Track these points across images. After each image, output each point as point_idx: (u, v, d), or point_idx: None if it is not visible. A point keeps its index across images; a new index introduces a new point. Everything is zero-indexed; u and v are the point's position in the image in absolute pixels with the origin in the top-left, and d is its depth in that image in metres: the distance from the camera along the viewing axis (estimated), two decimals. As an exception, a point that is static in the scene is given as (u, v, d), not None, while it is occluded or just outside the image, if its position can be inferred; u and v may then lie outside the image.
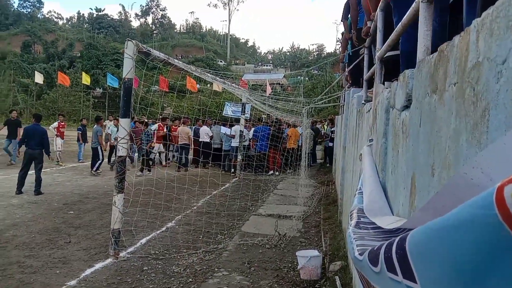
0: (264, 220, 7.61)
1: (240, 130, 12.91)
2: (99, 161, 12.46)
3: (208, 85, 31.27)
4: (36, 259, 5.16)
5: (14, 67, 53.97)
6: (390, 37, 2.72)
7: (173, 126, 14.69)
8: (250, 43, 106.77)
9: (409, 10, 2.10)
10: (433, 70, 1.39)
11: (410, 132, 1.69)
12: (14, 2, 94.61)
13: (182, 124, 14.03)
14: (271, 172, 13.64)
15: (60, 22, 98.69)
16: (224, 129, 14.20)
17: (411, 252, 0.77)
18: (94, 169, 12.37)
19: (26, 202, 8.20)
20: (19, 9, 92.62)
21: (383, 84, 2.96)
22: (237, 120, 14.19)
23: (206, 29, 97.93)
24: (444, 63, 1.27)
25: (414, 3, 1.99)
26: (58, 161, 13.90)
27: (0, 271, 4.72)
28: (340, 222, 6.82)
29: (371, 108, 3.40)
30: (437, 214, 0.86)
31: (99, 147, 12.33)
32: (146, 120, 13.16)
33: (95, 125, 12.69)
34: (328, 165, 16.59)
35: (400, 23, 2.38)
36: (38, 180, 9.06)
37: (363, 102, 4.63)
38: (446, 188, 0.89)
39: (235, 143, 13.27)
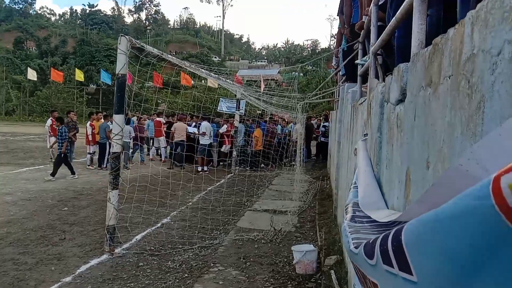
0: (260, 216, 7.63)
1: (236, 126, 12.89)
2: (106, 156, 12.45)
3: (203, 81, 31.16)
4: (31, 256, 5.14)
5: (6, 63, 53.47)
6: (384, 31, 2.72)
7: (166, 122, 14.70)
8: (244, 39, 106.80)
9: (403, 5, 2.10)
10: (428, 63, 1.39)
11: (405, 126, 1.69)
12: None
13: (178, 121, 13.96)
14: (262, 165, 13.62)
15: (53, 18, 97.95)
16: (192, 129, 13.37)
17: (407, 244, 0.77)
18: (104, 165, 12.39)
19: (20, 199, 8.15)
20: (10, 5, 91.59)
21: (384, 79, 2.96)
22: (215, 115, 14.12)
23: (200, 25, 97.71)
24: (438, 56, 1.27)
25: (408, -3, 1.99)
26: (52, 159, 13.80)
27: (-6, 269, 4.70)
28: (335, 217, 6.84)
29: (365, 102, 3.41)
30: (432, 206, 0.86)
31: (107, 143, 12.28)
32: (140, 116, 13.13)
33: (104, 122, 12.63)
34: (322, 160, 16.63)
35: (394, 18, 2.38)
36: None
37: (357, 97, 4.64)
38: (441, 180, 0.89)
39: (205, 141, 12.58)
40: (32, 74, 36.00)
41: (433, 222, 0.71)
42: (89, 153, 13.36)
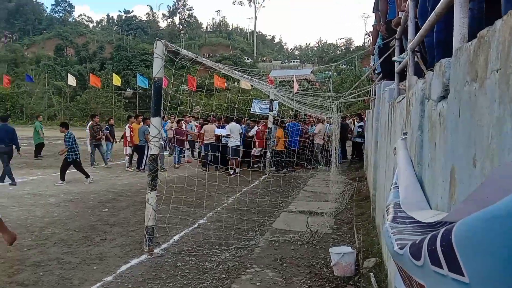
0: (295, 217, 7.58)
1: (269, 127, 12.87)
2: (144, 159, 12.80)
3: (236, 83, 31.43)
4: (74, 256, 5.33)
5: (48, 70, 55.98)
6: (423, 26, 2.64)
7: (198, 125, 14.85)
8: (276, 40, 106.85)
9: (444, -2, 2.03)
10: (473, 57, 1.34)
11: (448, 123, 1.63)
12: (47, 8, 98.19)
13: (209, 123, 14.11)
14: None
15: (91, 25, 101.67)
16: (219, 130, 13.24)
17: (458, 244, 0.75)
18: (142, 167, 12.75)
19: (63, 201, 8.48)
20: (51, 13, 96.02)
21: (423, 75, 2.88)
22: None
23: (232, 27, 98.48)
24: (485, 49, 1.22)
25: (449, -10, 1.92)
26: (94, 162, 14.25)
27: (41, 267, 4.91)
28: (373, 219, 6.71)
29: (404, 99, 3.32)
30: (483, 205, 0.83)
31: (146, 146, 12.64)
32: (179, 119, 13.43)
33: (143, 125, 13.00)
34: (357, 159, 16.35)
35: (433, 12, 2.31)
36: (8, 172, 10.10)
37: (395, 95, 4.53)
38: (491, 178, 0.85)
39: (232, 142, 12.41)
40: (72, 80, 37.49)
41: (486, 221, 0.68)
42: (127, 155, 13.73)
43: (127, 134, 13.60)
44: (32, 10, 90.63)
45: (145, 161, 12.66)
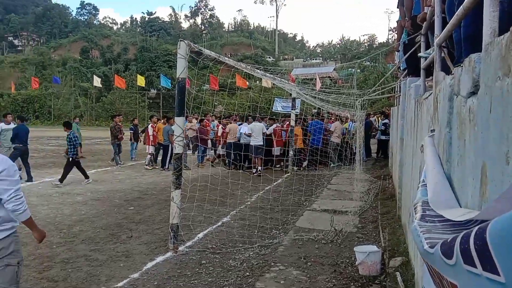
0: (319, 215, 7.54)
1: (291, 126, 12.82)
2: (167, 158, 13.00)
3: (258, 81, 31.46)
4: (101, 253, 5.46)
5: (74, 72, 57.40)
6: (450, 21, 2.58)
7: (219, 124, 14.87)
8: (298, 38, 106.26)
9: (473, -9, 1.98)
10: (505, 51, 1.30)
11: (479, 120, 1.59)
12: (73, 11, 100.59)
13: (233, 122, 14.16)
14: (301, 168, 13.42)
15: (115, 27, 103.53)
16: (243, 129, 13.16)
17: (493, 242, 0.73)
18: (166, 166, 12.96)
19: (90, 199, 8.69)
20: (77, 16, 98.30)
21: (451, 71, 2.81)
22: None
23: (254, 26, 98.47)
24: (518, 44, 1.18)
25: (478, -17, 1.87)
26: (118, 162, 14.54)
27: (69, 264, 5.05)
28: (399, 217, 6.61)
29: (430, 96, 3.25)
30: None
31: (170, 145, 12.84)
32: (203, 118, 13.55)
33: (167, 125, 13.19)
34: (382, 157, 16.13)
35: (462, 6, 2.25)
36: (28, 169, 10.53)
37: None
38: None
39: (254, 141, 12.40)
40: (97, 81, 38.36)
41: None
42: (149, 154, 13.95)
43: (150, 133, 13.80)
44: (59, 13, 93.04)
45: (169, 160, 12.85)
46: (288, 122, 13.90)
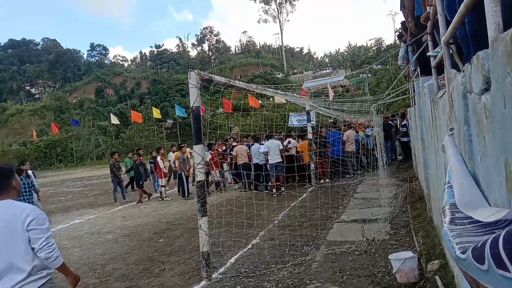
0: (349, 227, 7.44)
1: (309, 139, 12.76)
2: (185, 186, 13.12)
3: (270, 99, 31.62)
4: (138, 289, 5.49)
5: (91, 112, 59.00)
6: (454, 19, 2.58)
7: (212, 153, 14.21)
8: (305, 50, 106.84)
9: (472, -12, 1.99)
10: (511, 47, 1.30)
11: (495, 116, 1.58)
12: (83, 54, 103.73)
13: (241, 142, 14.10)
14: (322, 180, 13.21)
15: (126, 64, 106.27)
16: (260, 147, 12.85)
17: (522, 245, 0.73)
18: (186, 194, 13.10)
19: (120, 236, 8.79)
20: (88, 58, 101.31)
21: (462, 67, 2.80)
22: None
23: (260, 45, 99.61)
24: (522, 38, 1.18)
25: (476, -21, 1.88)
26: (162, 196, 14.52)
27: (108, 303, 5.09)
28: (431, 219, 6.46)
29: (445, 95, 3.23)
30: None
31: (183, 173, 13.01)
32: (218, 143, 13.61)
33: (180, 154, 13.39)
34: (406, 160, 15.89)
35: (462, 4, 2.26)
36: None
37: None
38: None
39: (272, 159, 12.11)
40: (114, 119, 39.23)
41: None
42: (161, 186, 14.04)
43: (161, 166, 13.90)
44: (71, 58, 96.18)
45: (187, 188, 12.96)
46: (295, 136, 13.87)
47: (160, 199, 13.61)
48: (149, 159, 15.56)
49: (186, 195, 13.09)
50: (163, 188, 13.94)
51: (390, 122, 17.28)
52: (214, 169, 13.73)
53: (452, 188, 1.99)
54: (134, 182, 15.23)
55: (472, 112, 2.09)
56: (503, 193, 1.58)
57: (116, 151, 17.07)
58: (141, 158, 14.11)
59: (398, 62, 11.65)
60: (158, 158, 14.13)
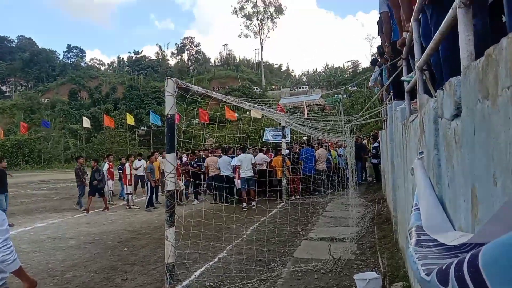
0: (316, 244, 7.45)
1: (283, 155, 12.82)
2: (147, 197, 12.83)
3: (247, 112, 31.72)
4: (97, 298, 5.29)
5: (63, 114, 57.51)
6: (429, 46, 2.66)
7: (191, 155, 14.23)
8: (283, 68, 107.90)
9: (446, 17, 2.05)
10: (482, 75, 1.33)
11: (464, 142, 1.62)
12: (59, 54, 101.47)
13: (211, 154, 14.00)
14: (293, 197, 13.28)
15: (102, 68, 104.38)
16: (233, 160, 12.88)
17: (486, 269, 0.73)
18: (146, 205, 12.78)
19: (83, 243, 8.50)
20: (64, 60, 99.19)
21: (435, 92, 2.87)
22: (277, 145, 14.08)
23: (239, 59, 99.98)
24: (493, 67, 1.22)
25: (451, 9, 1.94)
26: (110, 201, 14.34)
27: (64, 312, 4.88)
28: (397, 241, 6.55)
29: (416, 119, 3.30)
30: (507, 225, 0.81)
31: (149, 184, 12.78)
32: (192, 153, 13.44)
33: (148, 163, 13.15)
34: (374, 182, 16.18)
35: (438, 31, 2.33)
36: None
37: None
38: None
39: (244, 173, 12.12)
40: (86, 122, 38.38)
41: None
42: (128, 193, 13.75)
43: (127, 172, 13.67)
44: (46, 58, 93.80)
45: (150, 199, 12.70)
46: (270, 152, 13.90)
47: (127, 207, 13.30)
48: (117, 165, 15.23)
49: (146, 205, 12.77)
50: (130, 196, 13.62)
51: (362, 143, 17.59)
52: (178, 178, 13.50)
53: (419, 210, 2.01)
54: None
55: (442, 137, 2.14)
56: (468, 218, 1.60)
57: (81, 155, 16.39)
58: (97, 164, 13.69)
59: (369, 84, 11.93)
60: (126, 165, 13.87)
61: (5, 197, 10.88)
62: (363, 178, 17.33)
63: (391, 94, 7.49)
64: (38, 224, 10.78)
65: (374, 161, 16.22)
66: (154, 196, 13.08)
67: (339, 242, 7.43)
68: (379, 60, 8.32)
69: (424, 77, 3.21)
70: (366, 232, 8.02)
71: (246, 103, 9.53)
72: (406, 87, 4.45)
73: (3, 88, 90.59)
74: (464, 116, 1.60)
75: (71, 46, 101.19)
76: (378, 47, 8.61)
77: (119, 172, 14.63)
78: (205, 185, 14.68)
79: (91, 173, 13.16)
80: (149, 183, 12.83)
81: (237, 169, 12.48)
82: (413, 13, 3.35)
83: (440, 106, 2.09)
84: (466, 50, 1.75)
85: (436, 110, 2.22)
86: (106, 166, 14.78)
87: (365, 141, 18.94)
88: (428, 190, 2.16)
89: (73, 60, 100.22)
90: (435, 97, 2.35)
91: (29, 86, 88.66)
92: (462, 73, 1.64)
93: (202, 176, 13.65)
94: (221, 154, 13.33)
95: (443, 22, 2.15)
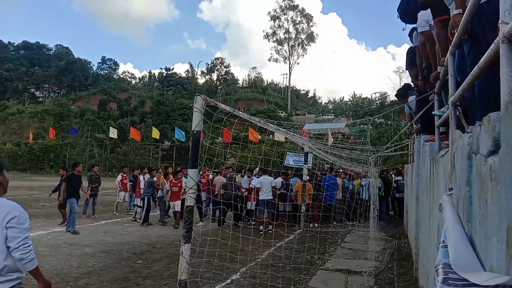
0: (333, 275, 7.26)
1: (304, 180, 12.68)
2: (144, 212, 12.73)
3: (270, 135, 31.79)
4: (107, 308, 5.27)
5: (91, 123, 58.94)
6: (465, 80, 2.61)
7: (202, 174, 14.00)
8: (310, 94, 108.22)
9: (488, 52, 2.01)
10: (525, 111, 1.29)
11: (502, 179, 1.55)
12: (94, 65, 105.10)
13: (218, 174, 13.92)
14: (311, 224, 13.05)
15: (133, 82, 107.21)
16: (253, 182, 12.77)
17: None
18: (142, 221, 12.62)
19: (98, 251, 8.55)
20: (97, 70, 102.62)
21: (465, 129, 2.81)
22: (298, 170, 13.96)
23: (267, 82, 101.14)
24: (539, 103, 1.17)
25: (493, 44, 1.90)
26: (129, 211, 14.40)
27: (74, 319, 4.87)
28: (417, 279, 6.32)
29: (447, 154, 3.22)
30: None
31: (146, 198, 12.74)
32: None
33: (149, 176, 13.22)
34: (396, 216, 15.78)
35: (476, 66, 2.28)
36: None
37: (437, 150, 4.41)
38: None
39: (263, 195, 11.98)
40: (113, 133, 39.16)
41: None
42: (138, 206, 13.70)
43: (141, 186, 13.77)
44: (80, 67, 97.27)
45: (145, 214, 12.56)
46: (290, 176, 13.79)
47: (133, 220, 13.31)
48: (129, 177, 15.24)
49: (140, 220, 12.70)
50: (139, 209, 13.52)
51: (387, 176, 17.25)
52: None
53: (447, 247, 1.94)
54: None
55: (475, 174, 2.07)
56: (502, 259, 1.52)
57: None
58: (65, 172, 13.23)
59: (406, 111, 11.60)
60: (141, 177, 13.99)
61: (76, 201, 10.95)
62: (387, 212, 16.94)
63: (419, 127, 7.36)
64: (57, 228, 10.93)
65: (397, 195, 15.87)
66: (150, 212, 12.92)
67: (356, 275, 7.21)
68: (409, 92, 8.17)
69: (458, 112, 3.15)
70: (385, 268, 7.77)
71: (271, 125, 9.54)
72: (437, 121, 4.37)
73: (37, 93, 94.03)
74: (503, 153, 1.54)
75: (106, 58, 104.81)
76: (405, 84, 8.50)
77: (130, 184, 14.72)
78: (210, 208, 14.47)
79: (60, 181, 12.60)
80: (150, 197, 12.75)
81: (253, 191, 12.43)
82: (450, 47, 3.31)
83: (476, 141, 2.03)
84: (508, 86, 1.71)
85: (470, 146, 2.16)
86: (119, 177, 15.00)
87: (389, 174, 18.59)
88: (457, 227, 2.08)
89: (106, 71, 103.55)
90: (468, 132, 2.29)
91: (62, 93, 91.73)
92: (504, 109, 1.60)
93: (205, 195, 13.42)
94: (232, 174, 13.33)
95: (483, 57, 2.11)
